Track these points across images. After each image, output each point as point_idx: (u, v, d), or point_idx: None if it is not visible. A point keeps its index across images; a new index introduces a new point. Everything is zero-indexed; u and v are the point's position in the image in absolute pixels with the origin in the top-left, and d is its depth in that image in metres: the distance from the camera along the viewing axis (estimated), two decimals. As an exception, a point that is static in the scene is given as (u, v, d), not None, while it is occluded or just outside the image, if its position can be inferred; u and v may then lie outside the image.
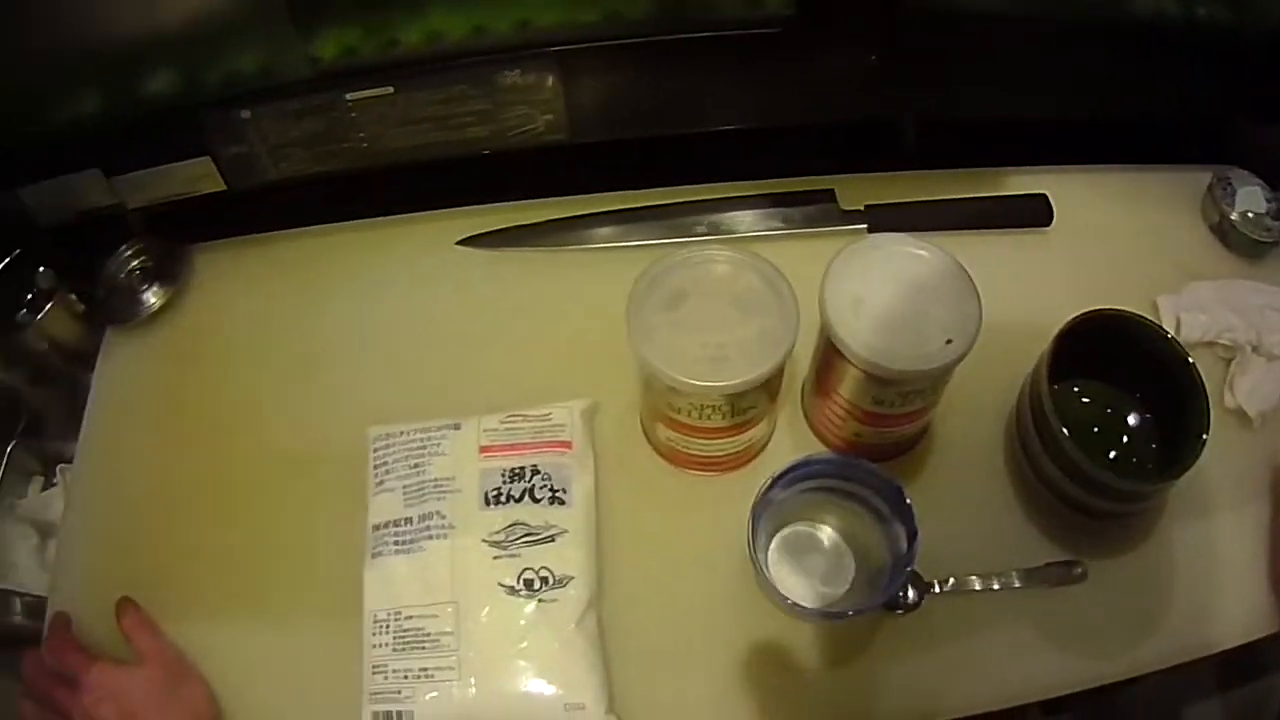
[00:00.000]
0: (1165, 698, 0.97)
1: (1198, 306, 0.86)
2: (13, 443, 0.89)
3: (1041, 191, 0.92)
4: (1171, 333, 0.77)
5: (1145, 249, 0.90)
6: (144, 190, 0.88)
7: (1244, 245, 0.89)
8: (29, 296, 0.91)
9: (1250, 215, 0.88)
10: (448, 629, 0.73)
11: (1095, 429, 0.79)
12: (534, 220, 0.94)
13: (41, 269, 0.91)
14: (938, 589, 0.74)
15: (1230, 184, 0.90)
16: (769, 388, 0.72)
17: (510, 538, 0.75)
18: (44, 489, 0.91)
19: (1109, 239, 0.91)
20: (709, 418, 0.72)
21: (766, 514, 0.73)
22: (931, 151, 0.94)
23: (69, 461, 0.89)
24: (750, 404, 0.72)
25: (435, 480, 0.78)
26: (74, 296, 0.91)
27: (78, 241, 0.92)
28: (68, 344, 0.92)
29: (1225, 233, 0.90)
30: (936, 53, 0.83)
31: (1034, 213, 0.91)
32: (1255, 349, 0.84)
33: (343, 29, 0.79)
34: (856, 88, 0.84)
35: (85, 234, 0.91)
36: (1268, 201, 0.89)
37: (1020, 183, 0.93)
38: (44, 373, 0.95)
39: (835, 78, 0.82)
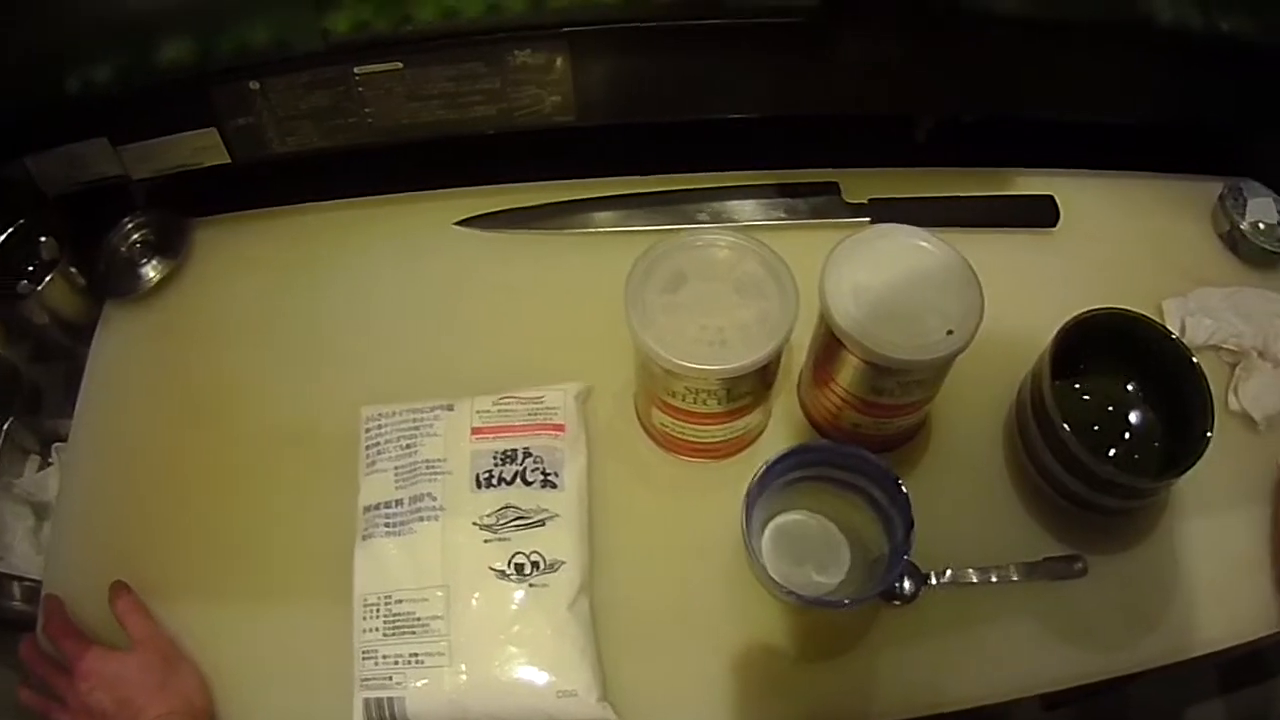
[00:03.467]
0: (1168, 698, 0.96)
1: (1204, 311, 0.85)
2: (9, 420, 0.87)
3: (1049, 193, 0.91)
4: (1176, 334, 0.76)
5: (1153, 254, 0.90)
6: (149, 161, 0.88)
7: (1254, 254, 0.89)
8: (30, 268, 0.91)
9: (1261, 226, 0.89)
10: (438, 613, 0.72)
11: (1096, 426, 0.78)
12: (533, 203, 0.93)
13: (44, 239, 0.91)
14: (934, 580, 0.73)
15: (1242, 194, 0.90)
16: (765, 375, 0.72)
17: (501, 521, 0.74)
18: (40, 469, 0.90)
19: (1116, 243, 0.90)
20: (704, 402, 0.71)
21: (761, 501, 0.72)
22: (938, 148, 0.94)
23: (65, 441, 0.88)
24: (746, 390, 0.71)
25: (427, 461, 0.77)
26: (75, 269, 0.91)
27: (83, 213, 0.92)
28: (68, 317, 0.92)
29: (1235, 242, 0.90)
30: (955, 52, 0.83)
31: (1040, 213, 0.91)
32: (1261, 355, 0.83)
33: (358, 3, 0.78)
34: (873, 83, 0.84)
35: (90, 205, 0.91)
36: (1279, 212, 0.89)
37: (1028, 184, 0.93)
38: (43, 347, 0.95)
39: (853, 72, 0.82)
